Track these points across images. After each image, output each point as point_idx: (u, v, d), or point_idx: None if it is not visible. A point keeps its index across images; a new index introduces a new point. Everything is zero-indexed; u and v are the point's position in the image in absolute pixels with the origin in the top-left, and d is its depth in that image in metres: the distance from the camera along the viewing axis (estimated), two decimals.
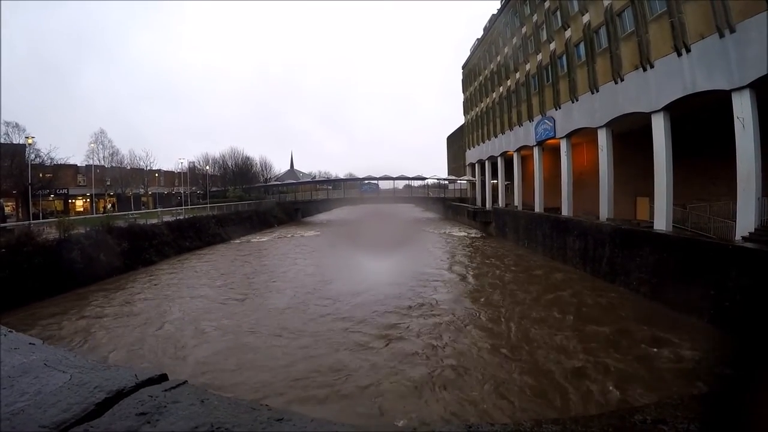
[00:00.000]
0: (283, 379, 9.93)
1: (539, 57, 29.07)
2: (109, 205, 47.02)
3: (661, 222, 17.10)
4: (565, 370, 9.97)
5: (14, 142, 33.92)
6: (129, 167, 49.47)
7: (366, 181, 61.83)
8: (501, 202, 39.48)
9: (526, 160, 34.31)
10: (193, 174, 59.70)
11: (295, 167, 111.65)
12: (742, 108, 13.51)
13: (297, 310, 15.78)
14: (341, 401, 8.86)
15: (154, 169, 55.05)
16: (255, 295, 18.62)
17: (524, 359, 10.93)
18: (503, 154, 38.11)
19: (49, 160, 37.20)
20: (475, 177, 49.02)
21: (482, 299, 17.16)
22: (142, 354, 11.81)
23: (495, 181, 42.24)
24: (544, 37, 28.19)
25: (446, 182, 61.94)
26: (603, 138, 21.63)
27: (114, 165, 47.17)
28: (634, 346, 11.32)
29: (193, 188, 58.49)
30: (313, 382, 9.73)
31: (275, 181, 74.64)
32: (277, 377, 10.03)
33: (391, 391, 9.27)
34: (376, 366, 10.55)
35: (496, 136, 39.71)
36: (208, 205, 44.39)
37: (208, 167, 62.59)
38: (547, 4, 27.39)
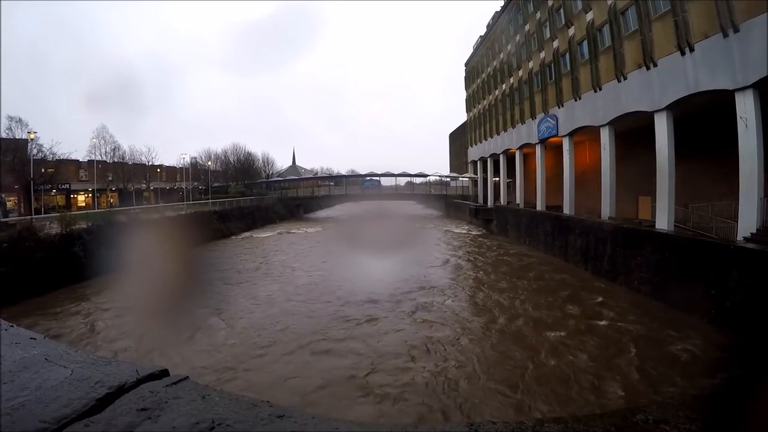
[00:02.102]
0: (323, 325, 13.46)
1: (542, 55, 28.97)
2: (112, 200, 47.05)
3: (663, 221, 17.05)
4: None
5: (16, 137, 33.96)
6: (131, 163, 49.43)
7: (368, 178, 61.83)
8: (503, 200, 39.46)
9: (528, 158, 34.23)
10: (195, 170, 59.64)
11: (297, 163, 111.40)
12: (745, 108, 13.44)
13: (320, 284, 18.86)
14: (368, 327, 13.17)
15: (155, 164, 55.00)
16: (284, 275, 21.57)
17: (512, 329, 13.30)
18: (505, 152, 38.05)
19: (51, 155, 37.23)
20: (477, 174, 48.97)
21: (470, 283, 19.58)
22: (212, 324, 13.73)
23: (497, 179, 42.20)
24: (548, 34, 28.07)
25: (448, 179, 61.85)
26: (605, 136, 21.57)
27: (116, 160, 47.16)
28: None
29: (195, 184, 58.47)
30: (343, 324, 13.50)
31: (277, 177, 74.60)
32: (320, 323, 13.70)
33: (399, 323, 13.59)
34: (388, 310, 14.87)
35: (498, 134, 39.63)
36: (210, 201, 44.44)
37: (210, 163, 62.51)
38: (550, 2, 27.28)
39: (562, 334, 12.34)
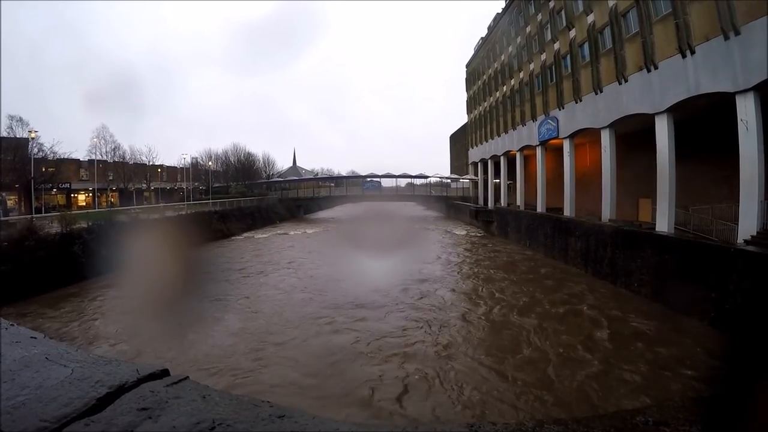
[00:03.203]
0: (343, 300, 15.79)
1: (543, 57, 28.99)
2: (112, 200, 47.04)
3: (663, 224, 17.05)
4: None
5: (17, 136, 33.97)
6: (131, 162, 49.40)
7: (368, 179, 61.82)
8: (503, 202, 39.43)
9: (528, 160, 34.23)
10: (195, 170, 59.68)
11: (297, 164, 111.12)
12: (746, 110, 13.44)
13: (323, 281, 19.82)
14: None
15: (156, 164, 54.96)
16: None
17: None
18: (506, 154, 38.08)
19: (52, 155, 37.24)
20: (477, 176, 48.96)
21: (468, 283, 20.03)
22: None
23: (497, 181, 42.18)
24: (549, 36, 28.09)
25: (448, 181, 61.86)
26: (606, 139, 21.57)
27: (117, 160, 47.12)
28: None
29: (196, 184, 58.48)
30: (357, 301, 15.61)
31: (278, 177, 74.63)
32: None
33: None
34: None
35: (499, 135, 39.65)
36: (211, 201, 44.45)
37: (210, 163, 62.54)
38: (551, 4, 27.30)
39: (555, 329, 12.37)
